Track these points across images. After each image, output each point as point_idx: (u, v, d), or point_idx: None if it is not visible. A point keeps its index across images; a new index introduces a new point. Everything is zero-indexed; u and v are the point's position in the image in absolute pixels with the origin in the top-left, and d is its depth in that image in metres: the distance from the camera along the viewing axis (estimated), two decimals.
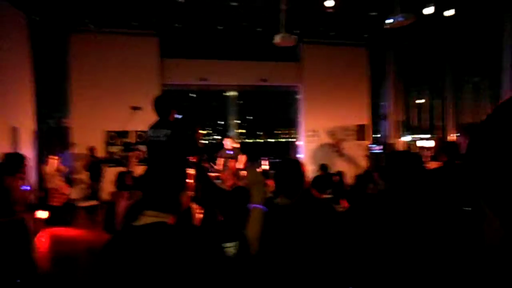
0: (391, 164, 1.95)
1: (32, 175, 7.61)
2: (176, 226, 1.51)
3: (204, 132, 11.89)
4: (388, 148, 8.74)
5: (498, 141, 0.41)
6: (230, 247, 1.50)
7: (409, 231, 1.82)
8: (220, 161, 7.91)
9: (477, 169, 0.45)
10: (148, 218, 1.45)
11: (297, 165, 2.28)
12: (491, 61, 7.89)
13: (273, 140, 15.59)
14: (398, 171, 1.91)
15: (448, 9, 7.17)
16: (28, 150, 7.47)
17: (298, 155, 10.48)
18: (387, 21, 5.09)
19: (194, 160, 3.65)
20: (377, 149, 8.63)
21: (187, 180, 1.61)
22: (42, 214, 5.89)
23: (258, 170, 7.44)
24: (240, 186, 3.15)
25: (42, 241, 5.63)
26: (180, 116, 3.80)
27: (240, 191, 2.82)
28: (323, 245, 2.02)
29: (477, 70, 8.62)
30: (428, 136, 10.30)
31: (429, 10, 6.66)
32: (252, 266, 1.71)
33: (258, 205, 1.77)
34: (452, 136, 9.00)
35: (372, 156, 8.58)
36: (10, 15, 7.00)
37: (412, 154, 2.14)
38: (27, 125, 7.57)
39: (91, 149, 7.81)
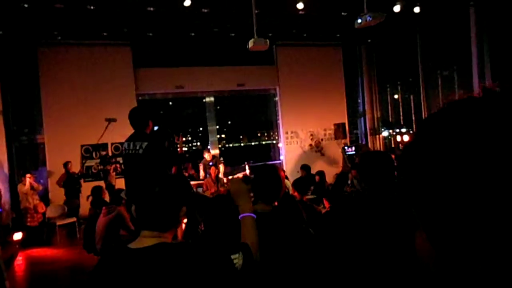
0: (365, 166, 1.97)
1: (5, 195, 7.33)
2: (179, 245, 1.44)
3: (184, 139, 11.76)
4: (360, 148, 8.93)
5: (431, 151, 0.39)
6: (236, 259, 1.44)
7: (385, 231, 1.83)
8: (201, 170, 7.84)
9: (410, 178, 0.42)
10: (147, 239, 1.33)
11: (274, 171, 2.25)
12: (460, 53, 8.14)
13: (254, 143, 15.60)
14: (371, 172, 1.93)
15: (416, 6, 7.37)
16: (0, 170, 7.19)
17: (279, 157, 10.51)
18: (356, 21, 5.17)
19: (174, 170, 3.58)
20: (350, 150, 8.90)
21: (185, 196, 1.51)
22: (17, 236, 5.68)
23: (239, 177, 7.40)
24: (221, 194, 3.11)
25: (18, 264, 5.42)
26: (156, 128, 3.73)
27: (221, 199, 2.78)
28: (304, 250, 2.00)
29: (447, 63, 8.87)
30: (404, 130, 10.53)
31: (397, 8, 6.82)
32: (256, 275, 1.67)
33: (248, 214, 1.73)
34: None
35: (347, 158, 8.75)
36: None
37: (384, 154, 2.17)
38: None
39: (67, 165, 7.58)
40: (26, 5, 6.34)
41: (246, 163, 8.49)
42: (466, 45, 7.80)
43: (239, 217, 1.71)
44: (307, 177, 7.07)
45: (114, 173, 7.77)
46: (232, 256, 1.42)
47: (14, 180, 7.58)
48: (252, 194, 2.43)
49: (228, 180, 7.13)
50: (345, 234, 2.07)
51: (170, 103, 11.12)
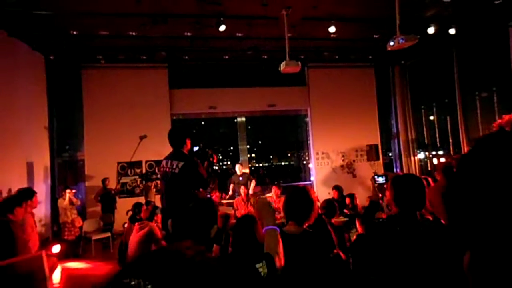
0: (396, 189, 1.96)
1: (46, 208, 7.72)
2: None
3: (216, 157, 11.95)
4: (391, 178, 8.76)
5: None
6: (260, 267, 1.50)
7: (417, 255, 1.78)
8: (230, 188, 7.89)
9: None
10: None
11: (306, 193, 2.26)
12: (500, 75, 7.84)
13: (284, 163, 15.55)
14: (403, 195, 1.92)
15: (451, 27, 7.23)
16: (42, 184, 7.61)
17: (310, 178, 10.41)
18: (388, 44, 5.15)
19: (202, 192, 3.64)
20: (380, 180, 8.92)
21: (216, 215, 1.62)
22: (56, 249, 5.93)
23: (264, 197, 7.41)
24: (248, 214, 3.14)
25: (56, 276, 5.63)
26: (197, 148, 3.84)
27: (247, 219, 2.81)
28: (332, 278, 1.97)
29: (486, 84, 8.56)
30: (441, 153, 10.14)
31: (431, 30, 6.73)
32: (280, 282, 1.71)
33: (271, 227, 1.79)
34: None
35: (377, 186, 8.64)
36: (29, 57, 7.35)
37: (414, 177, 2.14)
38: (42, 160, 7.76)
39: (105, 181, 7.92)
40: (74, 32, 6.86)
41: (273, 186, 8.24)
42: (506, 66, 7.50)
43: (263, 230, 1.76)
44: (338, 199, 6.94)
45: (155, 189, 8.07)
46: (257, 265, 1.47)
47: (55, 195, 7.99)
48: (283, 215, 2.45)
49: (254, 201, 7.11)
50: (379, 257, 2.03)
51: (203, 122, 11.42)
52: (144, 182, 8.33)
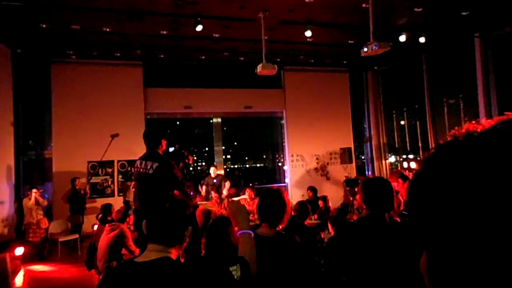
0: (365, 191, 2.02)
1: (10, 208, 7.37)
2: (181, 261, 1.51)
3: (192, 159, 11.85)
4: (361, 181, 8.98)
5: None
6: (234, 270, 1.50)
7: (388, 254, 1.84)
8: (202, 189, 7.79)
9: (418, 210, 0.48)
10: (153, 253, 1.40)
11: (279, 195, 2.28)
12: (466, 82, 8.24)
13: (259, 165, 15.61)
14: (372, 197, 1.98)
15: (422, 36, 7.53)
16: (6, 183, 7.26)
17: (285, 180, 10.50)
18: (362, 50, 5.30)
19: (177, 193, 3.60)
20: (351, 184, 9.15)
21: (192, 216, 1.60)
22: (19, 251, 5.68)
23: (237, 200, 7.40)
24: (221, 216, 3.13)
25: (19, 280, 5.38)
26: (172, 149, 3.78)
27: (221, 221, 2.81)
28: (305, 278, 2.00)
29: (453, 91, 8.97)
30: (411, 156, 10.50)
31: (402, 38, 6.97)
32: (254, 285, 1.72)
33: (246, 231, 1.79)
34: None
35: (349, 190, 8.83)
36: None
37: (383, 180, 2.22)
38: (6, 157, 7.40)
39: (74, 180, 7.63)
40: (44, 26, 6.59)
41: (247, 188, 8.26)
42: (471, 75, 7.89)
43: (238, 234, 1.76)
44: (313, 199, 7.07)
45: (134, 189, 7.87)
46: (230, 268, 1.49)
47: (19, 194, 7.64)
48: (256, 217, 2.46)
49: (227, 202, 7.09)
50: (350, 258, 2.07)
51: (178, 122, 11.27)
52: (123, 181, 8.15)
